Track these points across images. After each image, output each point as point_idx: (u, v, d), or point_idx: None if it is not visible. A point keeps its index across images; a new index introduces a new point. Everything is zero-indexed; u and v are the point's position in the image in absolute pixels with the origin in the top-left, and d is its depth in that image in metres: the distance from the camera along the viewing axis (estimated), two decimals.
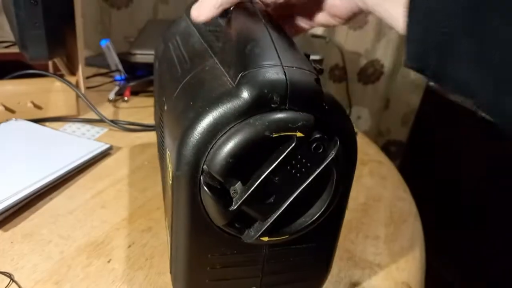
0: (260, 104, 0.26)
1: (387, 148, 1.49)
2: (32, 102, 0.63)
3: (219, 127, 0.26)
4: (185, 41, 0.40)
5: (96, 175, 0.53)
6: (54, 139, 0.58)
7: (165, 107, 0.35)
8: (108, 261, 0.39)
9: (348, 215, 0.50)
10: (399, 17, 0.27)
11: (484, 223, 1.19)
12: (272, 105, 0.26)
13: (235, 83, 0.27)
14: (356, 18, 0.36)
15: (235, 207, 0.27)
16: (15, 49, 0.67)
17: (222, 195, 0.27)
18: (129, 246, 0.42)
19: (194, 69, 0.33)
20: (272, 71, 0.26)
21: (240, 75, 0.26)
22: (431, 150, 1.42)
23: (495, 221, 1.15)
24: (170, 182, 0.30)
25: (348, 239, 0.47)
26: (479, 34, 0.23)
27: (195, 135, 0.26)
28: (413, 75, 1.37)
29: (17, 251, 0.40)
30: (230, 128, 0.26)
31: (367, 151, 0.69)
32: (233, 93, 0.26)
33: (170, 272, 0.34)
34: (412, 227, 0.51)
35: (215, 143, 0.26)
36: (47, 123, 0.64)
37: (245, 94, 0.26)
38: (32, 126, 0.61)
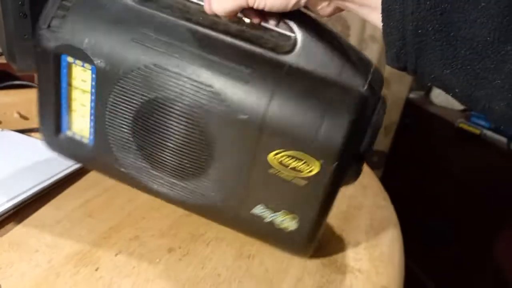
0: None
1: (369, 158, 1.53)
2: (19, 113, 0.63)
3: None
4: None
5: (83, 185, 0.53)
6: (40, 149, 0.59)
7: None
8: (96, 269, 0.40)
9: (330, 222, 0.52)
10: (377, 22, 0.29)
11: (462, 230, 1.23)
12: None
13: (367, 82, 0.36)
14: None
15: None
16: (1, 60, 0.68)
17: None
18: (116, 255, 0.43)
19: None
20: (377, 72, 0.38)
21: (369, 77, 0.36)
22: (412, 160, 1.46)
23: (474, 227, 1.18)
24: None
25: (330, 245, 0.49)
26: (447, 35, 0.25)
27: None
28: (395, 89, 1.41)
29: (5, 260, 0.40)
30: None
31: None
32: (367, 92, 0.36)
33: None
34: (391, 234, 0.54)
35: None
36: (33, 134, 0.64)
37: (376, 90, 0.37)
38: (18, 136, 0.61)
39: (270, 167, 0.37)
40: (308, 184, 0.37)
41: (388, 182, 0.68)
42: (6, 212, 0.45)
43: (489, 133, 1.23)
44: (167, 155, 0.41)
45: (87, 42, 0.38)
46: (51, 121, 0.44)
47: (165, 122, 0.39)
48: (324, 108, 0.35)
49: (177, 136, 0.39)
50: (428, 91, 1.63)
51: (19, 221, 0.45)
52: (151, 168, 0.42)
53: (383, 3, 0.28)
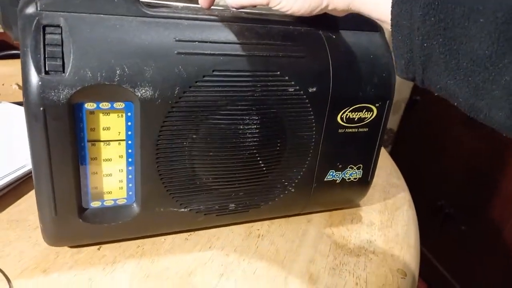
0: None
1: None
2: (18, 84, 0.60)
3: None
4: None
5: None
6: None
7: None
8: (98, 248, 0.38)
9: None
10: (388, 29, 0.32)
11: (471, 210, 1.21)
12: None
13: None
14: None
15: None
16: None
17: None
18: None
19: None
20: None
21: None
22: (421, 138, 1.43)
23: (483, 207, 1.16)
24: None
25: (343, 225, 0.47)
26: (450, 49, 0.27)
27: None
28: None
29: (3, 237, 0.38)
30: None
31: None
32: None
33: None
34: (406, 214, 0.51)
35: None
36: None
37: None
38: (17, 109, 0.59)
39: (339, 127, 0.41)
40: (369, 129, 0.42)
41: (396, 160, 0.66)
42: (4, 188, 0.43)
43: None
44: (245, 162, 0.38)
45: (120, 73, 0.31)
46: (67, 203, 0.33)
47: (239, 127, 0.36)
48: (372, 62, 0.40)
49: (255, 136, 0.37)
50: None
51: (18, 197, 0.43)
52: (225, 186, 0.39)
53: (392, 19, 0.30)
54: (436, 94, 0.30)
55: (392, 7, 0.30)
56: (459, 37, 0.27)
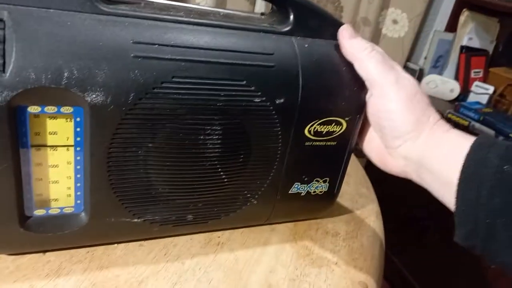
0: None
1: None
2: None
3: None
4: None
5: None
6: None
7: None
8: (44, 253, 0.36)
9: None
10: (450, 201, 0.32)
11: (444, 221, 1.22)
12: None
13: None
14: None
15: None
16: None
17: None
18: None
19: None
20: None
21: None
22: None
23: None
24: None
25: (307, 235, 0.45)
26: None
27: None
28: None
29: None
30: None
31: None
32: None
33: None
34: (372, 225, 0.50)
35: None
36: None
37: None
38: None
39: (307, 140, 0.39)
40: (337, 143, 0.41)
41: (373, 170, 0.65)
42: None
43: (477, 125, 1.21)
44: (205, 173, 0.36)
45: (68, 76, 0.28)
46: (6, 211, 0.31)
47: (199, 137, 0.34)
48: (344, 75, 0.38)
49: (217, 146, 0.35)
50: (418, 81, 1.60)
51: None
52: (183, 197, 0.37)
53: (458, 190, 0.31)
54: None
55: (459, 180, 0.31)
56: None
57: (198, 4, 1.23)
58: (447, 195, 0.32)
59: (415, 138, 0.35)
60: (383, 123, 0.37)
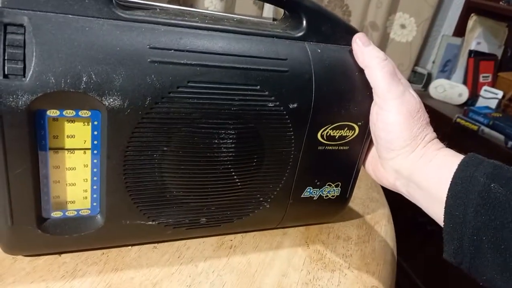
0: None
1: None
2: None
3: None
4: None
5: None
6: None
7: None
8: (59, 255, 0.36)
9: None
10: (439, 217, 0.33)
11: None
12: None
13: None
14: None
15: None
16: None
17: None
18: None
19: None
20: None
21: None
22: None
23: None
24: None
25: (319, 239, 0.45)
26: (499, 247, 0.29)
27: None
28: None
29: None
30: None
31: None
32: None
33: None
34: (384, 229, 0.50)
35: None
36: None
37: None
38: None
39: (319, 144, 0.39)
40: (350, 147, 0.41)
41: None
42: None
43: (487, 130, 1.20)
44: (218, 176, 0.37)
45: (86, 80, 0.28)
46: (25, 213, 0.31)
47: (214, 141, 0.34)
48: (357, 79, 0.38)
49: (231, 150, 0.36)
50: (426, 85, 1.60)
51: None
52: (196, 200, 0.37)
53: (446, 207, 0.32)
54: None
55: (447, 197, 0.32)
56: (507, 239, 0.28)
57: (206, 8, 1.24)
58: (437, 211, 0.33)
59: (408, 153, 0.36)
60: (380, 133, 0.37)
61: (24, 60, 0.27)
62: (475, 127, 1.23)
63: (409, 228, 1.31)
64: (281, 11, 0.40)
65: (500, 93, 1.37)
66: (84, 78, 0.28)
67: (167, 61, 0.31)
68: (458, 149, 0.36)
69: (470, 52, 1.50)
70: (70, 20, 0.29)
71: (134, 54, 0.30)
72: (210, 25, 0.34)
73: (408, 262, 1.33)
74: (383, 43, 1.54)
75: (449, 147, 0.37)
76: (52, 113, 0.29)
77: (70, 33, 0.29)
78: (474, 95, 1.46)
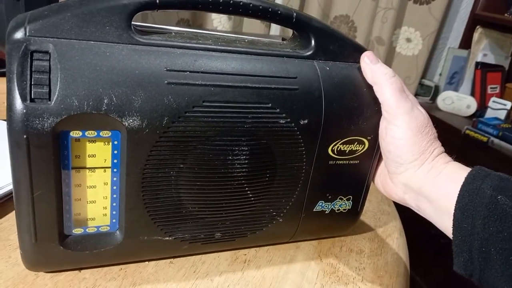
0: None
1: None
2: None
3: None
4: None
5: None
6: None
7: None
8: (79, 270, 0.37)
9: None
10: (448, 230, 0.34)
11: None
12: None
13: None
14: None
15: None
16: None
17: None
18: None
19: None
20: None
21: None
22: None
23: None
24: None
25: (331, 252, 0.46)
26: (507, 258, 0.29)
27: None
28: None
29: None
30: None
31: None
32: None
33: None
34: (396, 242, 0.51)
35: None
36: None
37: None
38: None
39: (330, 159, 0.40)
40: (360, 161, 0.42)
41: None
42: None
43: (496, 141, 1.20)
44: (232, 192, 0.38)
45: (107, 102, 0.30)
46: (48, 230, 0.33)
47: (228, 157, 0.36)
48: (365, 95, 0.39)
49: (244, 166, 0.37)
50: (434, 97, 1.60)
51: (1, 215, 0.43)
52: (211, 215, 0.38)
53: (454, 220, 0.32)
54: None
55: (455, 210, 0.32)
56: None
57: (215, 27, 1.27)
58: (446, 224, 0.34)
59: (417, 167, 0.36)
60: (389, 147, 0.38)
61: (49, 85, 0.29)
62: (485, 139, 1.23)
63: (422, 241, 1.30)
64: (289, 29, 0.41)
65: (508, 104, 1.37)
66: (105, 101, 0.30)
67: (183, 82, 0.32)
68: (468, 161, 0.36)
69: (477, 63, 1.51)
70: (92, 46, 0.31)
71: (152, 77, 0.32)
72: (223, 47, 0.36)
73: (421, 275, 1.31)
74: (389, 57, 1.55)
75: (459, 159, 0.37)
76: (75, 134, 0.31)
77: (92, 58, 0.30)
78: (482, 107, 1.46)
